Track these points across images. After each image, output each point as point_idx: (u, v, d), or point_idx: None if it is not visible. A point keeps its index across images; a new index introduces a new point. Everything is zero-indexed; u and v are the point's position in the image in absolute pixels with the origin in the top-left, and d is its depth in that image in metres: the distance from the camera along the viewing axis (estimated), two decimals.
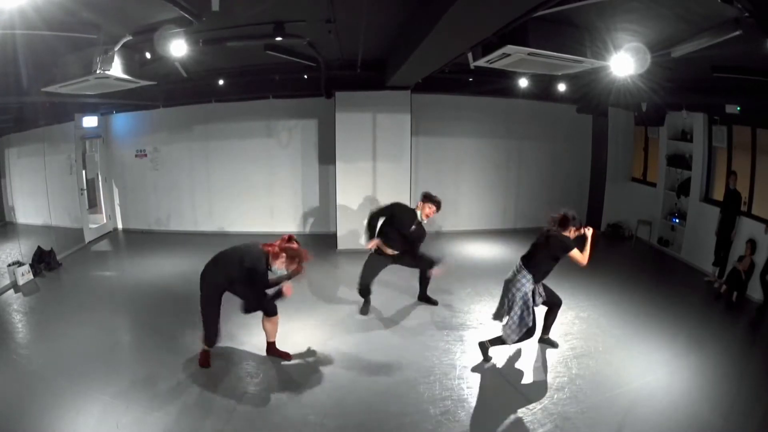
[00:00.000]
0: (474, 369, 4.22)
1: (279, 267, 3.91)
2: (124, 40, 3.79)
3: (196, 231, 8.78)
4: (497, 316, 4.34)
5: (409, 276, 6.66)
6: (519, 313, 4.04)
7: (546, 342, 4.62)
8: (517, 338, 4.10)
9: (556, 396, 3.79)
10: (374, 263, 5.23)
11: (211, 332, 4.00)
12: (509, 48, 3.34)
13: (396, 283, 6.16)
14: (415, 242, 5.17)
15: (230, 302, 4.00)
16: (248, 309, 3.99)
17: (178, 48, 3.59)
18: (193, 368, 4.15)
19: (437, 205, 5.08)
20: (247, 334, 4.76)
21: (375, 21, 4.16)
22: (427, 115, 8.52)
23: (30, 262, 6.45)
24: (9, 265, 6.15)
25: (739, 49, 3.40)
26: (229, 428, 3.42)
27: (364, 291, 5.32)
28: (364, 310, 5.36)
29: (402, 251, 5.17)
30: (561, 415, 3.54)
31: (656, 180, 8.03)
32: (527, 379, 4.06)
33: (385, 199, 7.61)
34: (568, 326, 5.02)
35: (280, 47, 5.04)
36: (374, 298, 5.41)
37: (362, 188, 7.73)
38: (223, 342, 4.56)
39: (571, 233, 4.10)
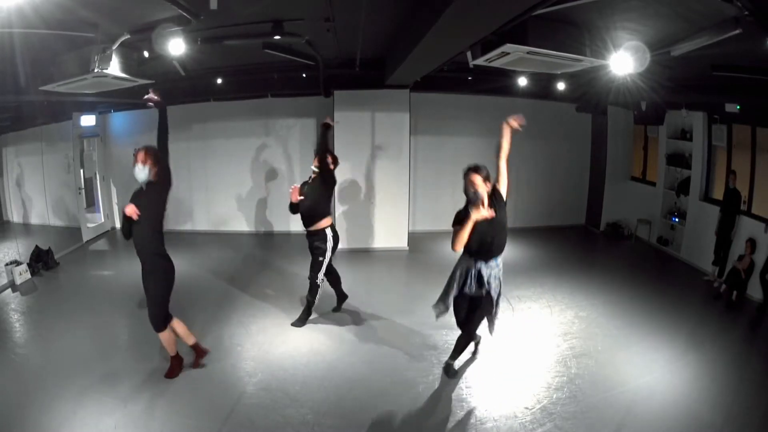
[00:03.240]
0: (473, 368, 4.22)
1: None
2: (122, 38, 3.77)
3: (193, 230, 8.74)
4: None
5: (408, 276, 6.68)
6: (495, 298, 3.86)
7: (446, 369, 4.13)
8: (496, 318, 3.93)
9: (555, 396, 3.78)
10: None
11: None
12: (508, 47, 3.33)
13: (396, 283, 6.16)
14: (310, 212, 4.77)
15: (227, 305, 3.98)
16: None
17: (176, 46, 3.58)
18: (191, 368, 4.14)
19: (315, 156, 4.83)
20: (245, 334, 4.76)
21: (374, 19, 4.15)
22: (426, 113, 8.51)
23: (28, 261, 6.44)
24: (6, 265, 6.12)
25: (739, 47, 3.39)
26: (228, 428, 3.41)
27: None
28: (337, 308, 5.32)
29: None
30: (560, 415, 3.53)
31: (656, 179, 8.03)
32: (526, 378, 4.05)
33: (383, 198, 7.64)
34: (568, 326, 5.02)
35: (279, 46, 5.02)
36: (372, 298, 5.38)
37: (361, 187, 7.73)
38: (223, 342, 4.56)
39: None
